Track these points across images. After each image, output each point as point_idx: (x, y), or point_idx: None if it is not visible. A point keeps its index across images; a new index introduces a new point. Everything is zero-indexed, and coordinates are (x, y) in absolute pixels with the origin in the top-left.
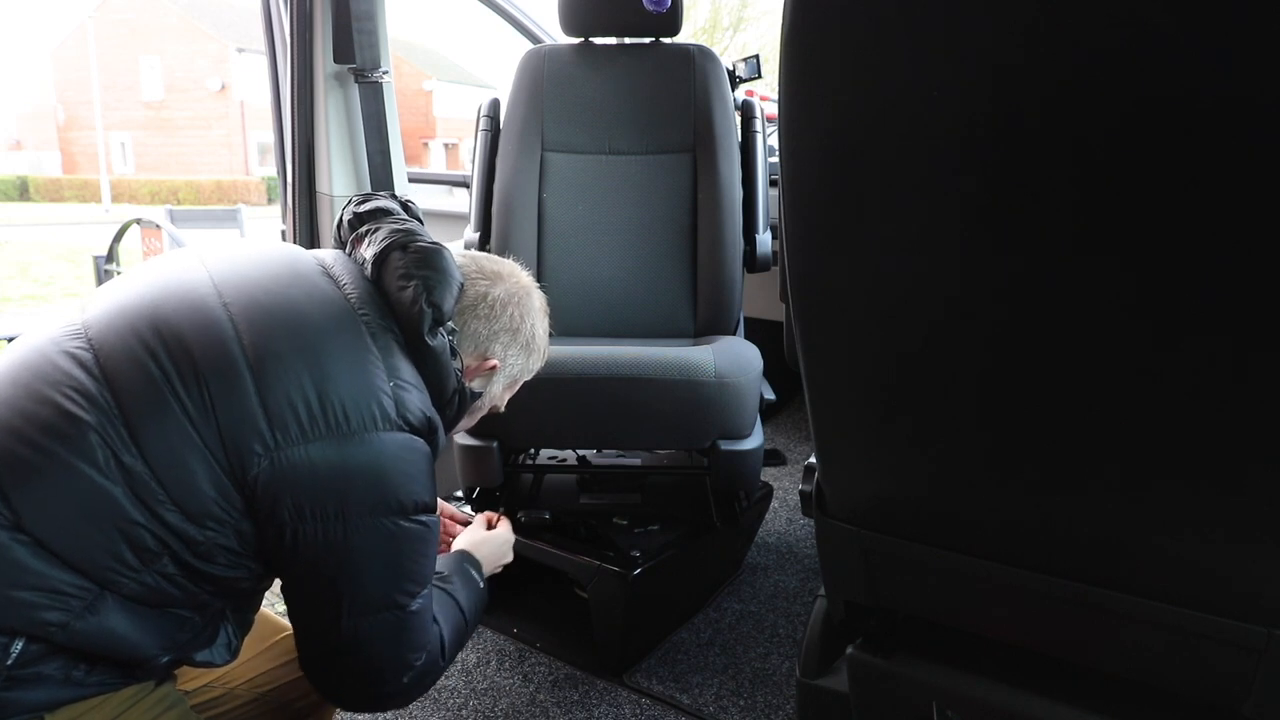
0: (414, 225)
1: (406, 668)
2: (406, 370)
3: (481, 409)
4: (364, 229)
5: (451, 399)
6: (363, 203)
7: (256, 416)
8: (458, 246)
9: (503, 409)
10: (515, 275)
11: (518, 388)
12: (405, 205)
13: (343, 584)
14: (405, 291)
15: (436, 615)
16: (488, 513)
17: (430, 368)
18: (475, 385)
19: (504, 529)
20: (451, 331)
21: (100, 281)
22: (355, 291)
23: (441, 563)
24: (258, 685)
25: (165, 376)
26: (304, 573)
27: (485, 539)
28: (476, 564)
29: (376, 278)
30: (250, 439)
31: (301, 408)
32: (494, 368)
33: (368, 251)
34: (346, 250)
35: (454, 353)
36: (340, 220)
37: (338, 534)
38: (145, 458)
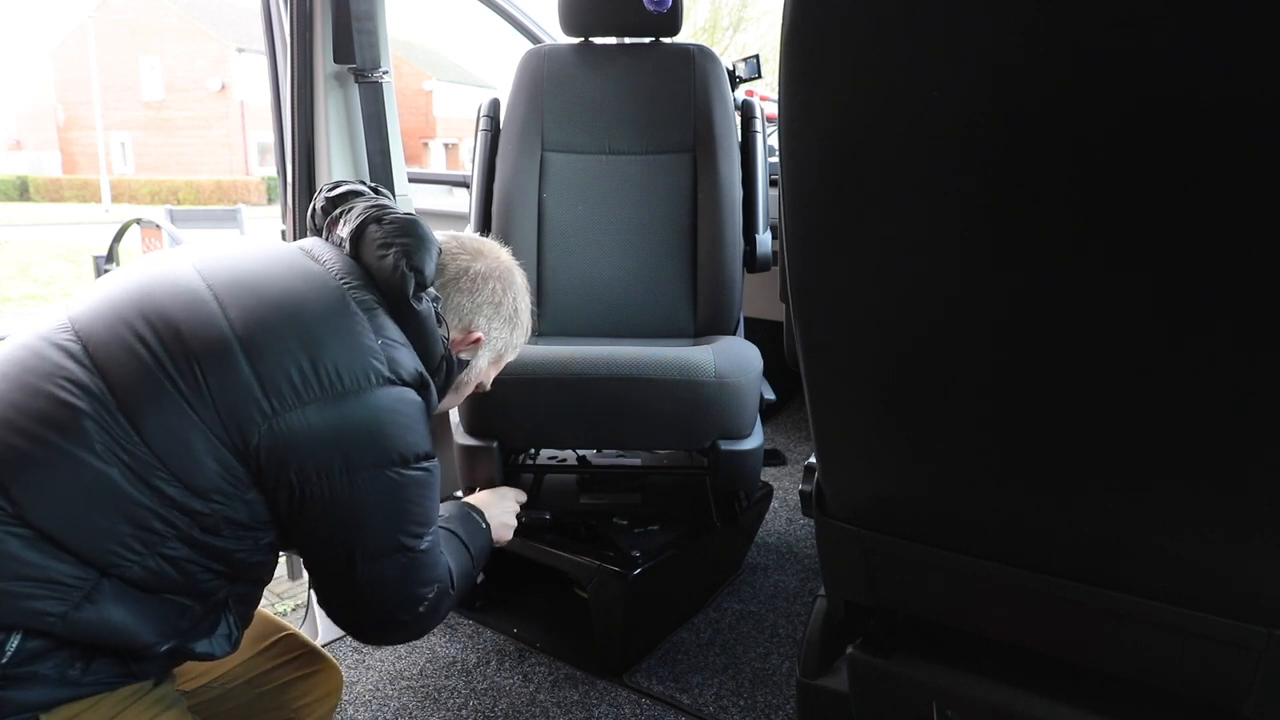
0: (386, 200)
1: (419, 600)
2: (393, 330)
3: (468, 384)
4: (338, 211)
5: (440, 365)
6: (333, 189)
7: (251, 387)
8: None
9: (489, 387)
10: (496, 253)
11: (503, 364)
12: (375, 190)
13: (353, 535)
14: (385, 260)
15: (442, 549)
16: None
17: (416, 332)
18: (463, 355)
19: (511, 495)
20: (435, 299)
21: None
22: (337, 266)
23: (444, 508)
24: (256, 685)
25: (156, 360)
26: (315, 529)
27: (489, 496)
28: (479, 510)
29: (355, 253)
30: (248, 409)
31: (295, 373)
32: (478, 341)
33: (344, 230)
34: (323, 235)
35: (440, 320)
36: (313, 208)
37: (344, 490)
38: (147, 443)
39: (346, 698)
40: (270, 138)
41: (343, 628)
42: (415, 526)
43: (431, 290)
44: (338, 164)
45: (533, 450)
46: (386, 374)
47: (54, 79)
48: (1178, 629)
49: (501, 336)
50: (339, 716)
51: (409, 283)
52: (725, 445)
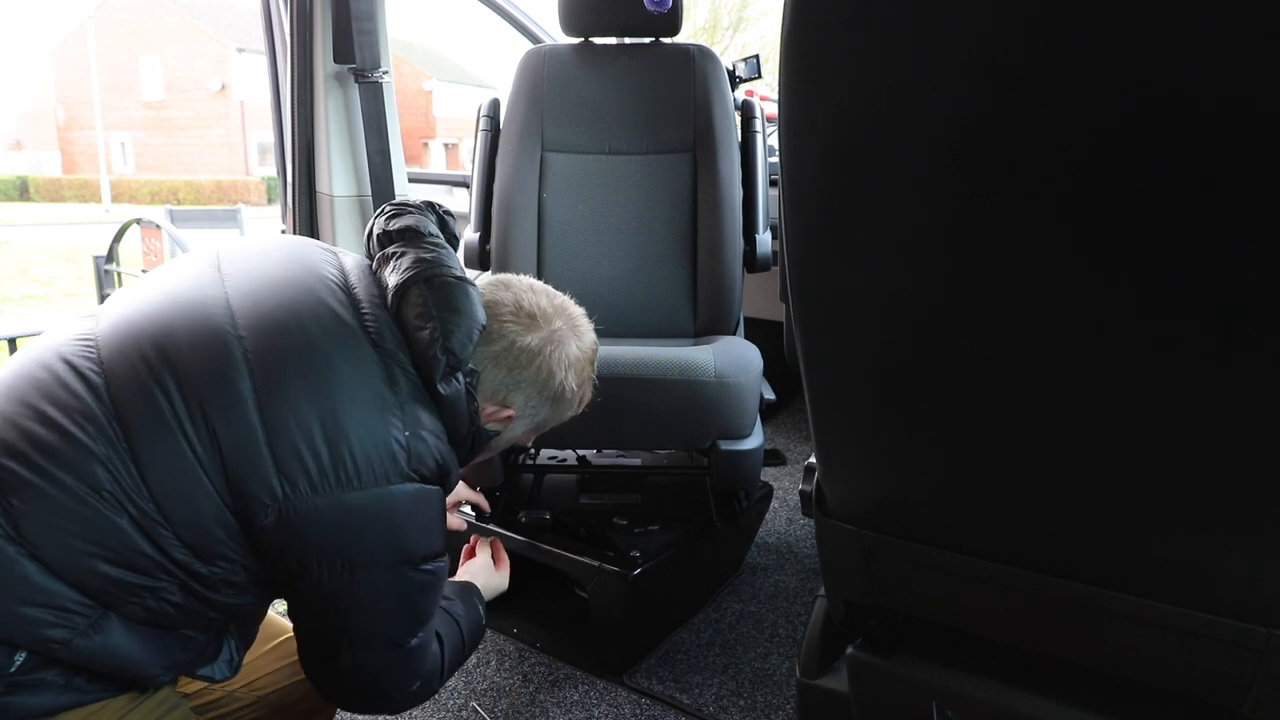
0: (441, 254)
1: (403, 691)
2: (425, 417)
3: (499, 447)
4: (392, 249)
5: (465, 439)
6: (395, 216)
7: (266, 467)
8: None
9: (529, 445)
10: (557, 318)
11: (546, 429)
12: (442, 219)
13: (347, 625)
14: (422, 332)
15: (439, 632)
16: (495, 541)
17: (444, 412)
18: (491, 428)
19: (503, 562)
20: (470, 373)
21: (100, 281)
22: (375, 323)
23: (448, 588)
24: (257, 689)
25: (175, 413)
26: (310, 612)
27: (484, 569)
28: (480, 595)
29: (396, 310)
30: (258, 490)
31: (310, 459)
32: (510, 417)
33: (391, 279)
34: (373, 265)
35: (471, 396)
36: (370, 231)
37: (344, 583)
38: (154, 497)
39: None
40: (270, 138)
41: (324, 697)
42: (412, 625)
43: (468, 367)
44: (338, 164)
45: (533, 450)
46: (406, 470)
47: (54, 79)
48: (1178, 629)
49: (540, 413)
50: (339, 716)
51: (439, 367)
52: (725, 445)
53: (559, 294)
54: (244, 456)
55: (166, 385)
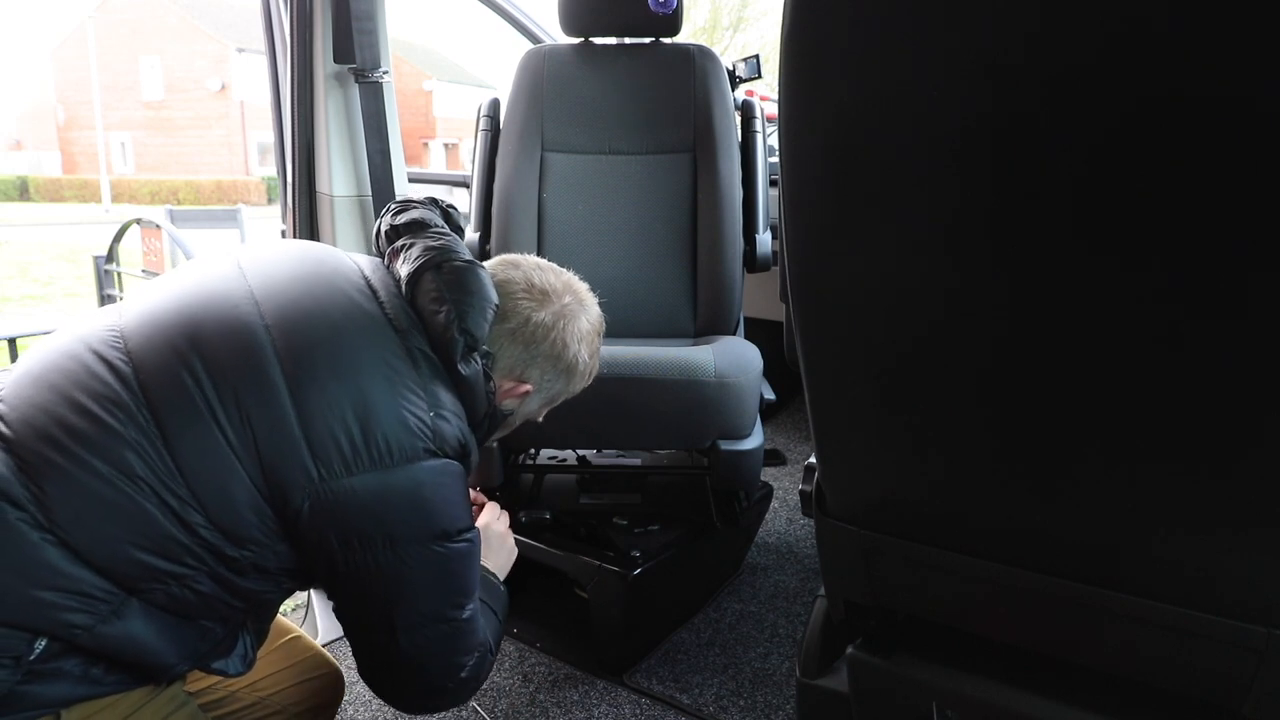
0: (449, 241)
1: (461, 668)
2: (446, 398)
3: (514, 424)
4: (401, 242)
5: (483, 420)
6: (400, 212)
7: (300, 449)
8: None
9: (540, 419)
10: (566, 293)
11: (557, 403)
12: (446, 212)
13: (396, 605)
14: (438, 316)
15: (482, 617)
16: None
17: (463, 393)
18: (507, 405)
19: (504, 528)
20: (486, 354)
21: (100, 281)
22: (394, 310)
23: None
24: (260, 689)
25: (207, 401)
26: (357, 597)
27: (491, 547)
28: (491, 571)
29: (410, 297)
30: (294, 472)
31: (344, 440)
32: (527, 392)
33: (402, 269)
34: (384, 261)
35: (488, 377)
36: (378, 230)
37: (388, 561)
38: (189, 484)
39: (347, 698)
40: (270, 138)
41: (385, 698)
42: (459, 596)
43: (483, 348)
44: (338, 164)
45: (533, 450)
46: (434, 447)
47: (54, 79)
48: (1178, 629)
49: (555, 386)
50: (339, 717)
51: (457, 347)
52: (725, 445)
53: (565, 270)
54: (278, 441)
55: (198, 374)
